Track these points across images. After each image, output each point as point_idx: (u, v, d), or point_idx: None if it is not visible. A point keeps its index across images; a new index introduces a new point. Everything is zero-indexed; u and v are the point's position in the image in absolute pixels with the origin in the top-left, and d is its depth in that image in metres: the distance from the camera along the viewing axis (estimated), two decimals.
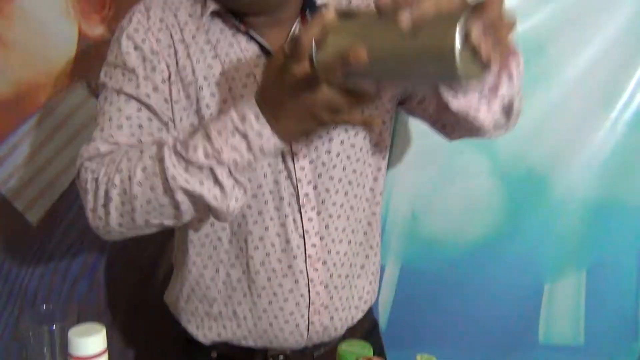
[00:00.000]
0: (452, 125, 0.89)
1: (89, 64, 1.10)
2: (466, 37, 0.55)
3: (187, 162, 0.70)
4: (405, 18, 0.56)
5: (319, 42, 0.62)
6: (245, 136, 0.68)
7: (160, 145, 0.73)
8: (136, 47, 0.80)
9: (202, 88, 0.81)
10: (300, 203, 0.84)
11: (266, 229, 0.85)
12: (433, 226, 1.28)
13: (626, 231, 1.27)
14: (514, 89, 0.75)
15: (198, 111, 0.81)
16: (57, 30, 1.10)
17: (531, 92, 1.21)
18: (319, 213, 0.86)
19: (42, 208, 1.17)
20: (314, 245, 0.86)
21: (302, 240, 0.85)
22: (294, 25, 0.84)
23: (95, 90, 1.12)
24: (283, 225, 0.85)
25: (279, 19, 0.83)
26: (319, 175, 0.85)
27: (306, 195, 0.84)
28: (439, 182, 1.26)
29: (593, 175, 1.26)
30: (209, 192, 0.70)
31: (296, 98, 0.65)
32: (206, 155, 0.69)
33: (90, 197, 0.75)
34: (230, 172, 0.70)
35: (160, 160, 0.71)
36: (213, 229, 0.86)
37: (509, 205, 1.27)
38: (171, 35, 0.81)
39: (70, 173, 1.16)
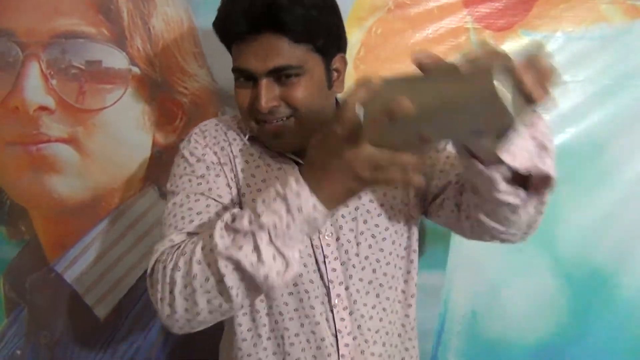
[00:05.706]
0: (477, 221, 0.85)
1: (161, 169, 1.17)
2: (510, 76, 0.56)
3: (234, 231, 0.71)
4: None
5: (364, 102, 0.64)
6: (284, 198, 0.69)
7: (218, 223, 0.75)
8: (199, 160, 0.88)
9: (244, 195, 0.88)
10: (332, 303, 0.87)
11: (302, 325, 0.88)
12: (494, 326, 1.25)
13: None
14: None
15: None
16: (133, 140, 1.18)
17: (591, 192, 1.20)
18: (351, 313, 0.88)
19: (110, 304, 1.23)
20: (346, 345, 0.88)
21: (335, 339, 0.88)
22: None
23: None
24: (318, 323, 0.87)
25: None
26: (350, 277, 0.89)
27: (338, 295, 0.88)
28: (499, 280, 1.24)
29: None
30: (246, 257, 0.69)
31: (339, 157, 0.66)
32: (249, 222, 0.70)
33: (159, 286, 0.75)
34: (270, 238, 0.70)
35: (212, 234, 0.72)
36: (254, 324, 0.88)
37: (574, 307, 1.23)
38: (223, 148, 0.90)
39: (138, 270, 1.21)
